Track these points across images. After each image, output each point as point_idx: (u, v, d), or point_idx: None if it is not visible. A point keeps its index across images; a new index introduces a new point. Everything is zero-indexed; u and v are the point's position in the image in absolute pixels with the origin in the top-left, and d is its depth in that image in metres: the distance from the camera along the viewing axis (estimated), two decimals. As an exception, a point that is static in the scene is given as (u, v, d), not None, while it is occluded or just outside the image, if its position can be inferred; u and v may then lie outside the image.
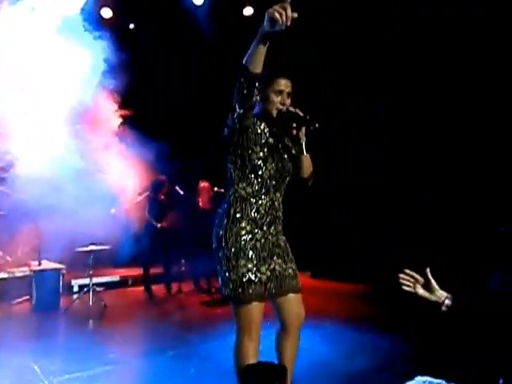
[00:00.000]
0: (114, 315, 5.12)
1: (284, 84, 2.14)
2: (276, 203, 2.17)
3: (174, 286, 6.25)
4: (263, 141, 2.12)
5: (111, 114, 6.44)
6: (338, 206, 6.18)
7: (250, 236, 2.07)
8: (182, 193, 6.29)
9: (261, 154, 2.09)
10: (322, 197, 6.17)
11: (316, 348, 2.57)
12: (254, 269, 2.04)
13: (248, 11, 7.39)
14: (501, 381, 1.39)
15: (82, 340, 4.14)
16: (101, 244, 5.48)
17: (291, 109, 2.13)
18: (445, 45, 5.12)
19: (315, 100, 6.10)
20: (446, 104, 5.21)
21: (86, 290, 5.35)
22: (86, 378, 3.13)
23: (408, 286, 1.76)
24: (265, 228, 2.11)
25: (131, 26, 7.45)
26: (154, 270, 6.36)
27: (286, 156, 2.21)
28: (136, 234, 6.40)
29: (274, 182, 2.14)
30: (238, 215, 2.08)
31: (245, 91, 1.90)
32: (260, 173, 2.10)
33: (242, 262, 2.03)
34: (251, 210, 2.09)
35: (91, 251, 5.36)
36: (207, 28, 7.24)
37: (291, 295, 2.19)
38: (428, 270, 1.78)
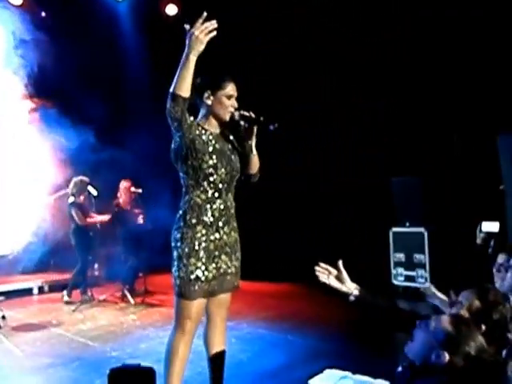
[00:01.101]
0: (13, 326, 4.61)
1: (232, 88, 2.24)
2: (228, 203, 2.26)
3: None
4: (211, 148, 2.19)
5: (21, 97, 5.75)
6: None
7: (204, 238, 2.16)
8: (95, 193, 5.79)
9: (210, 162, 2.17)
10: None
11: (230, 349, 2.52)
12: (203, 267, 2.14)
13: (171, 10, 7.28)
14: (399, 368, 1.46)
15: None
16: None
17: (245, 112, 2.22)
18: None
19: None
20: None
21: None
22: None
23: (322, 277, 1.89)
24: (220, 229, 2.20)
25: (43, 13, 6.96)
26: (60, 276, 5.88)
27: (233, 157, 2.29)
28: (49, 237, 5.85)
29: (225, 185, 2.23)
30: (193, 221, 2.16)
31: (178, 117, 2.05)
32: (212, 179, 2.18)
33: (192, 261, 2.13)
34: (206, 216, 2.17)
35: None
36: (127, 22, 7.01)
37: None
38: (340, 262, 1.90)
